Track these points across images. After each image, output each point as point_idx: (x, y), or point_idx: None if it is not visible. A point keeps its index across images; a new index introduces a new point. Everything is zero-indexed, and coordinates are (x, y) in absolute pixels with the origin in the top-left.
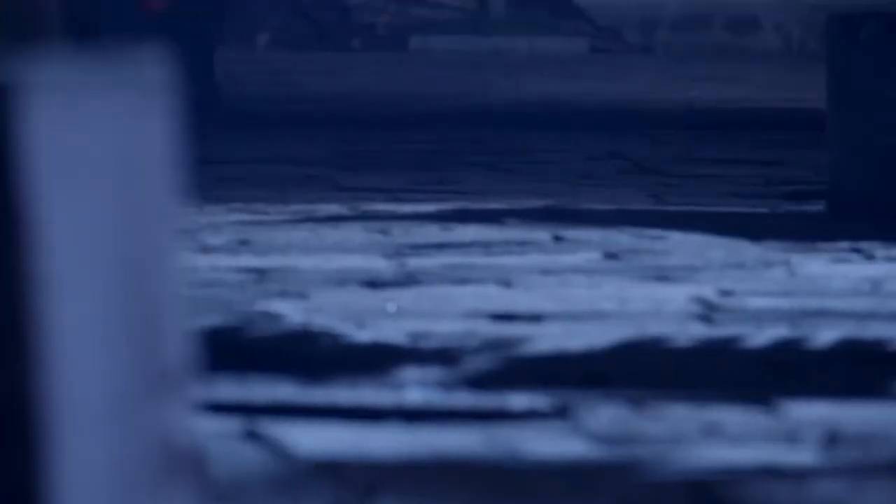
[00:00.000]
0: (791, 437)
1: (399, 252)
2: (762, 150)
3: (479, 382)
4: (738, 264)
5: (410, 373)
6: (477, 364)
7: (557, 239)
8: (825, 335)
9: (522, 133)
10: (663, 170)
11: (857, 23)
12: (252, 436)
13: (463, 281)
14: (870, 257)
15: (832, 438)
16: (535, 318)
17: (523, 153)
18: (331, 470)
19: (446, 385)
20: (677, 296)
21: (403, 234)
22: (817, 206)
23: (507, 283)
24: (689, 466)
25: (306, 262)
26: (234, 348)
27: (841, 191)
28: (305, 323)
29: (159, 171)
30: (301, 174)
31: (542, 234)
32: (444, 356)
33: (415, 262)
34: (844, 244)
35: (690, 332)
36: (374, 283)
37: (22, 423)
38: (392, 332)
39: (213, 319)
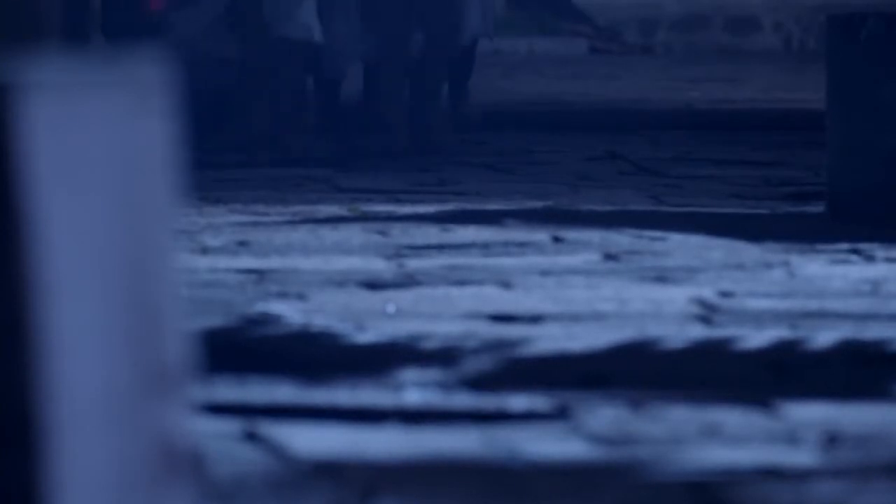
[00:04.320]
0: (790, 438)
1: (398, 253)
2: (762, 150)
3: (478, 383)
4: (737, 265)
5: (410, 374)
6: (476, 365)
7: (557, 240)
8: (824, 336)
9: (522, 133)
10: (663, 171)
11: (857, 23)
12: (252, 437)
13: (462, 282)
14: (869, 258)
15: (831, 439)
16: (535, 319)
17: (522, 154)
18: (330, 471)
19: (446, 386)
20: (677, 297)
21: (402, 235)
22: (817, 207)
23: (506, 284)
24: (688, 467)
25: (306, 264)
26: (233, 349)
27: (840, 192)
28: (305, 324)
29: (158, 172)
30: (300, 175)
31: (541, 235)
32: (443, 357)
33: (414, 264)
34: (844, 245)
35: (690, 333)
36: (373, 285)
37: (22, 423)
38: (391, 333)
39: (213, 320)
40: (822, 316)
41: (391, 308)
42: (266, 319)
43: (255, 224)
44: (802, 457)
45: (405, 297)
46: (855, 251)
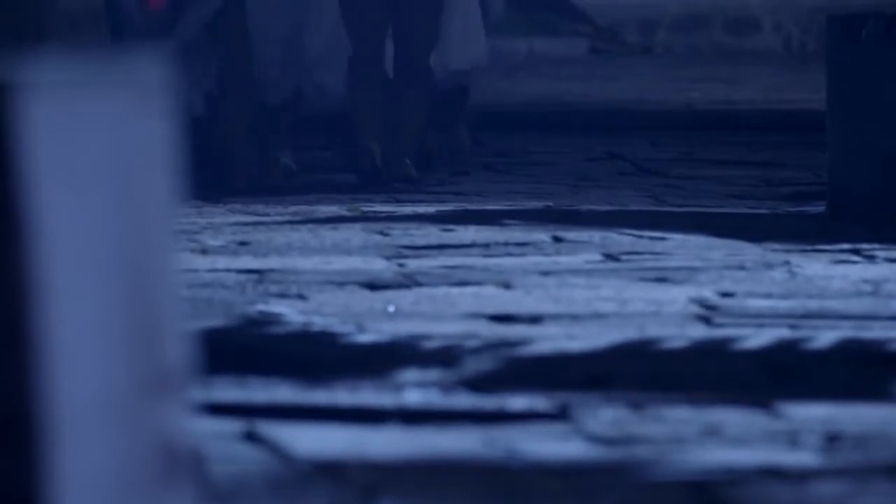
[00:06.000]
0: (791, 439)
1: (398, 253)
2: (762, 151)
3: (478, 384)
4: (738, 265)
5: (410, 374)
6: (477, 365)
7: (557, 240)
8: (825, 336)
9: (522, 134)
10: (663, 171)
11: (857, 23)
12: (252, 437)
13: (462, 282)
14: (870, 258)
15: (832, 439)
16: (535, 319)
17: (523, 154)
18: (331, 471)
19: (446, 386)
20: (677, 297)
21: (402, 235)
22: (817, 208)
23: (506, 285)
24: (689, 467)
25: (306, 264)
26: (233, 349)
27: (841, 192)
28: (305, 324)
29: (158, 172)
30: (300, 175)
31: (541, 235)
32: (443, 357)
33: (414, 264)
34: (844, 245)
35: (690, 334)
36: (373, 285)
37: (22, 423)
38: (391, 334)
39: (213, 321)
40: (823, 316)
41: (391, 308)
42: (266, 319)
43: (255, 224)
44: (803, 457)
45: (405, 297)
46: (855, 251)
